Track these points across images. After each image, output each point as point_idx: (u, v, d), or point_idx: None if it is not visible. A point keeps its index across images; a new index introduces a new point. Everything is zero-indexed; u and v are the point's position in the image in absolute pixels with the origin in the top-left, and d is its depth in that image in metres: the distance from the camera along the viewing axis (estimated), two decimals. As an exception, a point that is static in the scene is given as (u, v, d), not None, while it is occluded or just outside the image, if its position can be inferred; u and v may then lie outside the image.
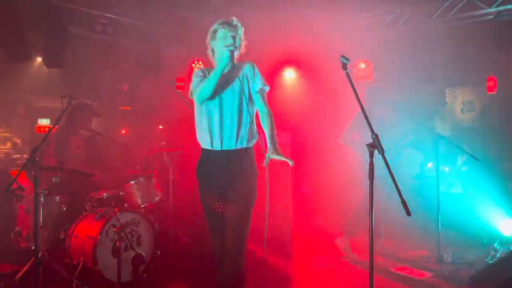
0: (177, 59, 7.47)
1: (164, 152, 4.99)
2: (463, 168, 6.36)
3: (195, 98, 2.89)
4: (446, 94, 7.41)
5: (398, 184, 2.44)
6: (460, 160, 6.42)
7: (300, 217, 5.69)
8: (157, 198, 4.59)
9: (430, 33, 6.51)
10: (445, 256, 4.60)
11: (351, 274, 4.37)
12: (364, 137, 4.82)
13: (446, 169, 6.46)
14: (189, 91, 2.96)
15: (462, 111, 7.28)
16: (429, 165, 6.71)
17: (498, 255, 4.28)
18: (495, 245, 4.46)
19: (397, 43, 6.90)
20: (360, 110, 4.96)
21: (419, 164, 6.86)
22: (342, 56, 2.79)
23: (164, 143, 5.01)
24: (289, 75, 7.49)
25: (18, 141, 8.71)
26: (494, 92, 6.42)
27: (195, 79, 2.93)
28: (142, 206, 4.38)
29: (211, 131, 2.85)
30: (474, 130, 6.98)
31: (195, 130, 3.07)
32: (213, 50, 2.98)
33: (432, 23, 6.38)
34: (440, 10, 6.11)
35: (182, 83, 4.99)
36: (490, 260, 4.21)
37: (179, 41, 7.09)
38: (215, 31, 2.95)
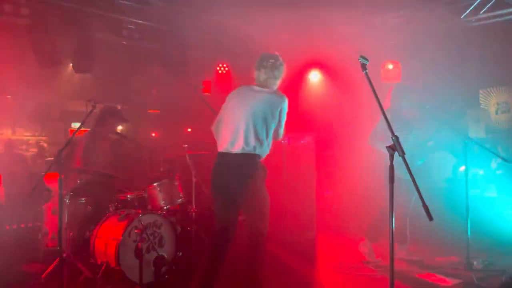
0: (203, 62, 7.55)
1: (186, 155, 5.02)
2: (498, 172, 6.10)
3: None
4: (480, 95, 7.13)
5: (428, 188, 2.37)
6: (494, 163, 6.16)
7: (323, 220, 5.61)
8: (180, 200, 4.63)
9: (460, 32, 6.29)
10: (475, 262, 4.41)
11: (373, 279, 4.25)
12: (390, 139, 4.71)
13: (481, 172, 6.22)
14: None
15: (496, 113, 6.99)
16: (462, 168, 6.47)
17: (532, 262, 4.06)
18: (529, 251, 4.23)
19: (426, 43, 6.71)
20: (387, 110, 4.86)
21: (452, 167, 6.63)
22: (361, 57, 2.73)
23: (186, 145, 5.04)
24: (314, 77, 7.42)
25: (48, 144, 9.05)
26: (530, 92, 6.14)
27: None
28: (165, 208, 4.42)
29: None
30: (509, 131, 6.68)
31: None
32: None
33: (462, 21, 6.17)
34: (470, 9, 5.90)
35: (204, 86, 5.01)
36: (523, 267, 4.00)
37: (204, 45, 7.17)
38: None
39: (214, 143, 5.95)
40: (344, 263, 4.64)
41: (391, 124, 4.61)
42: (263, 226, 3.29)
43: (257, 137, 3.24)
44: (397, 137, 2.54)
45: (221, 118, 3.43)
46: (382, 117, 4.72)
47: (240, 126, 3.26)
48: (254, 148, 3.24)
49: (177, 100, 7.93)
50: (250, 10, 6.04)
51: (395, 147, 2.54)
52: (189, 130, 9.31)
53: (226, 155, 3.28)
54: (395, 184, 4.54)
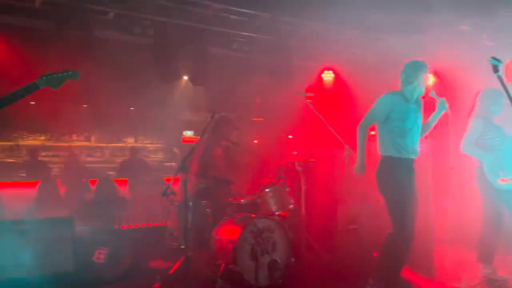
0: (307, 69, 7.63)
1: (296, 162, 5.10)
2: None
3: None
4: None
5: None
6: None
7: (442, 232, 5.26)
8: (290, 206, 4.71)
9: None
10: None
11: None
12: (486, 144, 4.26)
13: None
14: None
15: None
16: None
17: None
18: None
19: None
20: (473, 115, 4.40)
21: None
22: (493, 58, 2.59)
23: (296, 152, 5.13)
24: (428, 80, 7.03)
25: (176, 150, 9.87)
26: None
27: None
28: (276, 213, 4.54)
29: None
30: None
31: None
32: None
33: None
34: None
35: (312, 94, 5.06)
36: None
37: (309, 52, 7.24)
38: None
39: (321, 151, 5.93)
40: (466, 280, 4.30)
41: (482, 132, 4.19)
42: (395, 227, 3.52)
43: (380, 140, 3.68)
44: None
45: None
46: (475, 123, 4.32)
47: None
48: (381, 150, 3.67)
49: (279, 107, 8.10)
50: (354, 14, 5.94)
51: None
52: (290, 137, 9.44)
53: None
54: (486, 193, 4.09)
